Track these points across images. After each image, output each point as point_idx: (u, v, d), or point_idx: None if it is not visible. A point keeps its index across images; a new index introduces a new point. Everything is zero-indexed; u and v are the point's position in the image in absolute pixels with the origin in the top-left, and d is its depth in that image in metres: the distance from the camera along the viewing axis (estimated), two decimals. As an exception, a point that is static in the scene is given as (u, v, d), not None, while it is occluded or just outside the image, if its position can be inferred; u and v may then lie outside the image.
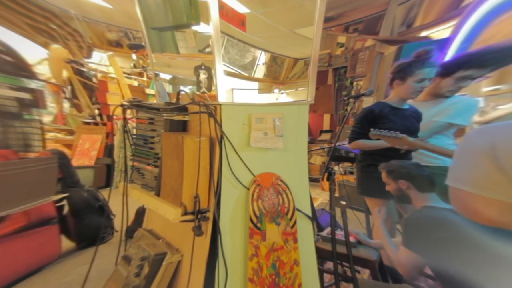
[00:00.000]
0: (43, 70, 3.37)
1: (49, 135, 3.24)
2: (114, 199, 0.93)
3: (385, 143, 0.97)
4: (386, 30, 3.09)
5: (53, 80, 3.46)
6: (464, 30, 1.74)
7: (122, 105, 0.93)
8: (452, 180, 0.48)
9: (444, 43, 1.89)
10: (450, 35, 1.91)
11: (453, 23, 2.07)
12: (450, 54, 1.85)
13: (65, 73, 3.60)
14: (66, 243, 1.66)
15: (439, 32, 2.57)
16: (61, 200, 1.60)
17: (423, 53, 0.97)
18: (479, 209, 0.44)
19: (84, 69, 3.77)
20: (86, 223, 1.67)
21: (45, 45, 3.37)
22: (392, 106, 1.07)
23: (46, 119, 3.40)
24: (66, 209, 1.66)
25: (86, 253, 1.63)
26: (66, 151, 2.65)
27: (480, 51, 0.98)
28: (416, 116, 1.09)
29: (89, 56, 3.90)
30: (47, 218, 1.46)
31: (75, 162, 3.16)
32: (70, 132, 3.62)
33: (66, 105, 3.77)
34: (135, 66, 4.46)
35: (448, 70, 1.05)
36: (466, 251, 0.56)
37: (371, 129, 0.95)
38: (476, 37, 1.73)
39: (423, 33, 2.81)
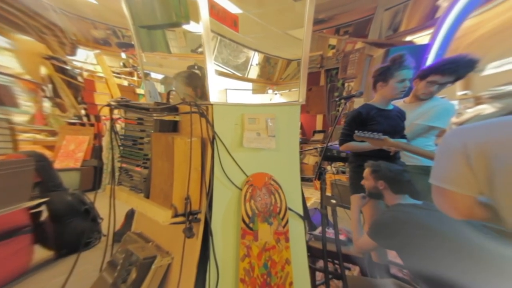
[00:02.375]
0: (5, 62, 2.89)
1: (24, 136, 2.96)
2: (103, 202, 0.89)
3: (372, 145, 1.01)
4: (375, 33, 3.21)
5: (26, 77, 3.16)
6: (439, 39, 1.95)
7: (109, 105, 0.90)
8: (433, 179, 0.52)
9: (425, 49, 2.03)
10: (429, 42, 2.06)
11: (431, 31, 2.24)
12: (430, 58, 1.99)
13: (43, 70, 3.36)
14: (43, 253, 1.50)
15: (421, 38, 2.73)
16: (37, 206, 1.47)
17: (398, 57, 1.05)
18: (453, 204, 0.49)
19: (68, 67, 3.58)
20: (69, 229, 1.56)
21: (4, 33, 2.86)
22: (378, 108, 1.12)
23: (20, 118, 3.05)
24: (45, 215, 1.54)
25: (67, 261, 1.51)
26: (47, 153, 2.48)
27: (445, 60, 1.10)
28: (400, 116, 1.15)
29: (73, 53, 3.70)
30: (14, 228, 1.28)
31: (58, 165, 3.00)
32: (53, 133, 3.41)
33: (47, 104, 3.52)
34: (124, 66, 4.32)
35: (424, 73, 1.13)
36: (428, 240, 0.65)
37: (356, 131, 0.99)
38: (447, 46, 1.94)
39: (408, 38, 2.95)
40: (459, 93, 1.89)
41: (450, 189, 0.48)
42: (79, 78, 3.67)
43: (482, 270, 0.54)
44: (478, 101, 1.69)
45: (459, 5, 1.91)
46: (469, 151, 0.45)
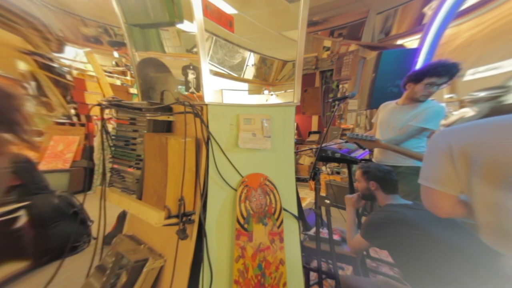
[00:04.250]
0: None
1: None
2: (94, 204, 0.86)
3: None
4: (367, 36, 3.30)
5: None
6: (426, 44, 2.08)
7: (99, 105, 0.88)
8: (422, 179, 0.54)
9: (415, 52, 2.11)
10: (418, 46, 2.15)
11: (419, 35, 2.35)
12: (419, 62, 2.08)
13: (23, 66, 3.10)
14: (14, 266, 1.28)
15: (411, 42, 2.83)
16: (11, 212, 1.32)
17: None
18: (439, 203, 0.51)
19: (55, 65, 3.43)
20: (53, 233, 1.46)
21: None
22: None
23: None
24: (22, 221, 1.37)
25: (47, 270, 1.34)
26: (30, 154, 2.35)
27: (436, 63, 1.16)
28: None
29: (60, 50, 3.54)
30: None
31: (44, 166, 2.87)
32: (37, 133, 3.25)
33: (30, 103, 3.33)
34: (117, 65, 4.21)
35: (418, 77, 1.17)
36: (418, 239, 0.67)
37: (347, 134, 1.01)
38: (434, 51, 2.06)
39: (399, 41, 3.05)
40: (446, 96, 2.01)
41: (435, 188, 0.50)
42: (68, 77, 3.54)
43: (471, 269, 0.56)
44: (462, 104, 1.80)
45: (441, 15, 2.04)
46: (453, 153, 0.47)
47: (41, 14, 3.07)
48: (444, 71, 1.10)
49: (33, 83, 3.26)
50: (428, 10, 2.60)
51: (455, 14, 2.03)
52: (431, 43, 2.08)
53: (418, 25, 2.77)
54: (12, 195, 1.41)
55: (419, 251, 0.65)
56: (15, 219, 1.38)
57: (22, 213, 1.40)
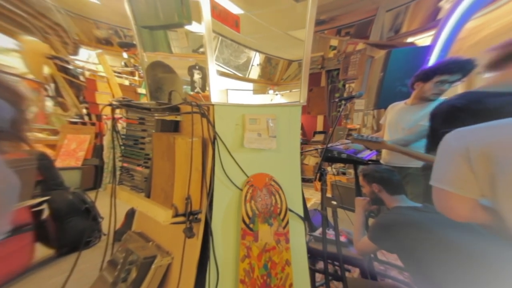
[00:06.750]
0: (12, 62, 2.93)
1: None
2: (104, 201, 0.89)
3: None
4: (376, 34, 3.21)
5: (30, 76, 3.15)
6: (441, 41, 1.96)
7: (110, 104, 0.91)
8: (434, 180, 0.52)
9: (427, 50, 2.02)
10: (431, 43, 2.06)
11: (433, 32, 2.24)
12: (432, 60, 1.99)
13: (46, 70, 3.36)
14: (44, 251, 1.51)
15: (423, 39, 2.73)
16: (39, 204, 1.48)
17: None
18: (454, 206, 0.49)
19: (70, 67, 3.60)
20: (69, 227, 1.57)
21: (12, 35, 2.91)
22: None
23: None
24: (46, 214, 1.55)
25: (67, 260, 1.51)
26: (48, 152, 2.50)
27: (447, 60, 1.11)
28: None
29: (75, 53, 3.72)
30: (16, 226, 1.30)
31: (59, 163, 3.01)
32: (54, 132, 3.42)
33: (49, 103, 3.54)
34: (126, 65, 4.33)
35: (427, 75, 1.13)
36: (427, 243, 0.65)
37: (353, 134, 0.99)
38: (449, 48, 1.95)
39: (409, 39, 2.95)
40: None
41: (451, 191, 0.48)
42: (81, 78, 3.70)
43: (482, 274, 0.54)
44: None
45: (463, 6, 1.90)
46: (470, 154, 0.45)
47: (63, 21, 3.29)
48: (456, 68, 1.04)
49: (52, 85, 3.46)
50: (445, 4, 2.47)
51: (482, 4, 1.81)
52: (447, 39, 1.94)
53: (431, 21, 2.66)
54: (37, 190, 1.54)
55: (430, 256, 0.63)
56: (42, 211, 1.52)
57: (45, 206, 1.53)
